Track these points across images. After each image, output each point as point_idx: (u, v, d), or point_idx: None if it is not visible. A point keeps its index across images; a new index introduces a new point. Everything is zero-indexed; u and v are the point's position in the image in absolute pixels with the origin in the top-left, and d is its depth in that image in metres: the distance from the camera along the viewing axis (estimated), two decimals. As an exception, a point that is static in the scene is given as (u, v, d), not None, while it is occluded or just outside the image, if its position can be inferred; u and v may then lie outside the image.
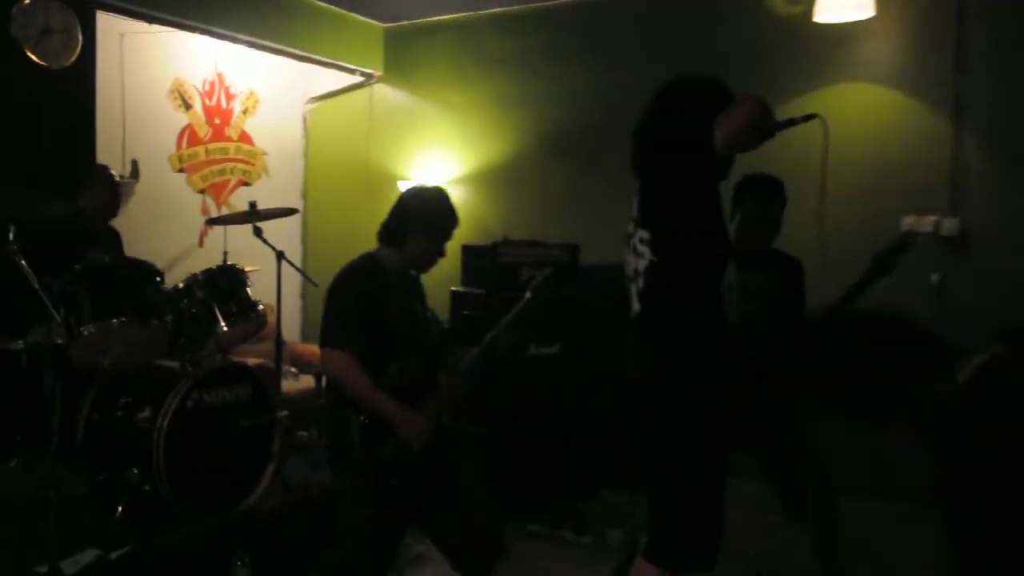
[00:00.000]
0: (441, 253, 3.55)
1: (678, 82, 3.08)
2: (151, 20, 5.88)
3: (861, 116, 5.73)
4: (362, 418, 3.30)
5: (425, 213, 3.49)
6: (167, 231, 6.31)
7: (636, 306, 3.00)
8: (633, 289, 3.00)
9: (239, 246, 5.19)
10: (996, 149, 5.41)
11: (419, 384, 3.45)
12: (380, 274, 3.48)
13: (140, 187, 6.25)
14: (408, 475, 3.35)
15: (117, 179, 5.01)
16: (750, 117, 2.75)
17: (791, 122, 2.93)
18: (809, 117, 2.93)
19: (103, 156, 5.60)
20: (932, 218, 5.47)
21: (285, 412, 4.29)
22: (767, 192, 3.97)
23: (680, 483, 2.89)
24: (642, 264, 2.95)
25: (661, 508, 2.96)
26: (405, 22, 7.31)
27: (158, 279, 4.11)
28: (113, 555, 3.41)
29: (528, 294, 3.68)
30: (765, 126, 2.76)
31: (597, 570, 4.41)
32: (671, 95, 3.06)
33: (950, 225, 5.44)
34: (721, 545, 3.01)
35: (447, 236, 3.54)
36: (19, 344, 3.94)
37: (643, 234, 2.96)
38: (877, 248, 3.81)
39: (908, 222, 5.49)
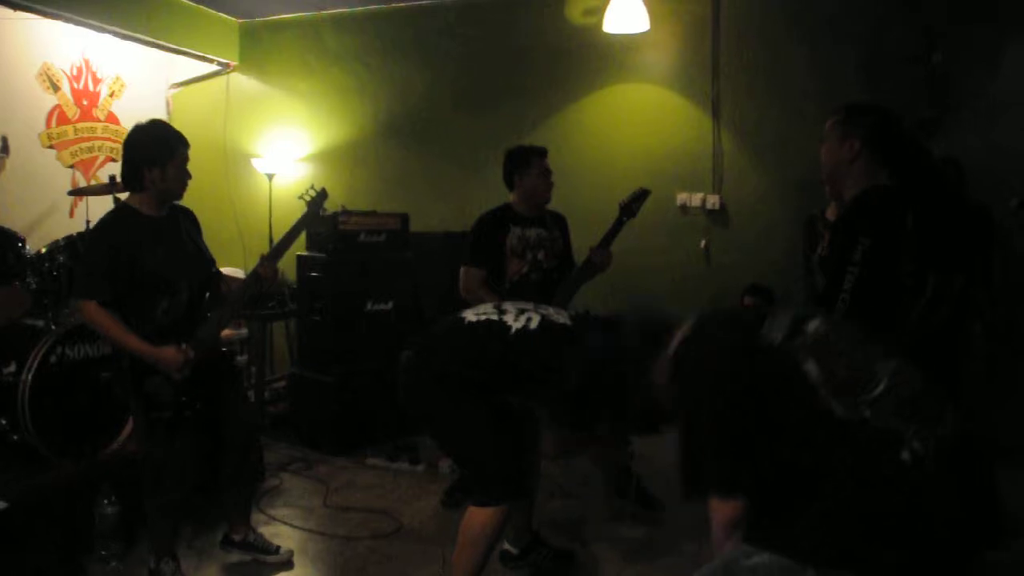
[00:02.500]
0: (187, 175, 3.21)
1: None
2: (18, 7, 5.34)
3: (642, 111, 5.83)
4: (124, 360, 3.06)
5: (152, 148, 3.11)
6: (38, 203, 5.81)
7: None
8: None
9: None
10: (745, 139, 5.60)
11: (190, 317, 3.17)
12: (132, 222, 3.11)
13: (11, 162, 5.73)
14: (177, 406, 3.08)
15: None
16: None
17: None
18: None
19: (-28, 132, 5.10)
20: (700, 195, 5.64)
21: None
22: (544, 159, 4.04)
23: (455, 437, 2.88)
24: None
25: (459, 461, 2.96)
26: (257, 19, 6.97)
27: (20, 244, 3.77)
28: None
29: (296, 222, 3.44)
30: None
31: (430, 493, 4.37)
32: None
33: (713, 200, 5.62)
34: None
35: (183, 158, 3.18)
36: None
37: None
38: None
39: (682, 197, 5.63)
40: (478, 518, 2.86)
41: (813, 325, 1.91)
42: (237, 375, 3.58)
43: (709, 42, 5.62)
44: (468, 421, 2.82)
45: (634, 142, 5.76)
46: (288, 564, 3.54)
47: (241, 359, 5.89)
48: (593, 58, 5.90)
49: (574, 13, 5.94)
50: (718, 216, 5.65)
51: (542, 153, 4.02)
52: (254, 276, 3.31)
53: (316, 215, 3.50)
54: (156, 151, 3.11)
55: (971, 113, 4.92)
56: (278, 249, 3.41)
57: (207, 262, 3.36)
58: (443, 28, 6.39)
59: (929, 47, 4.91)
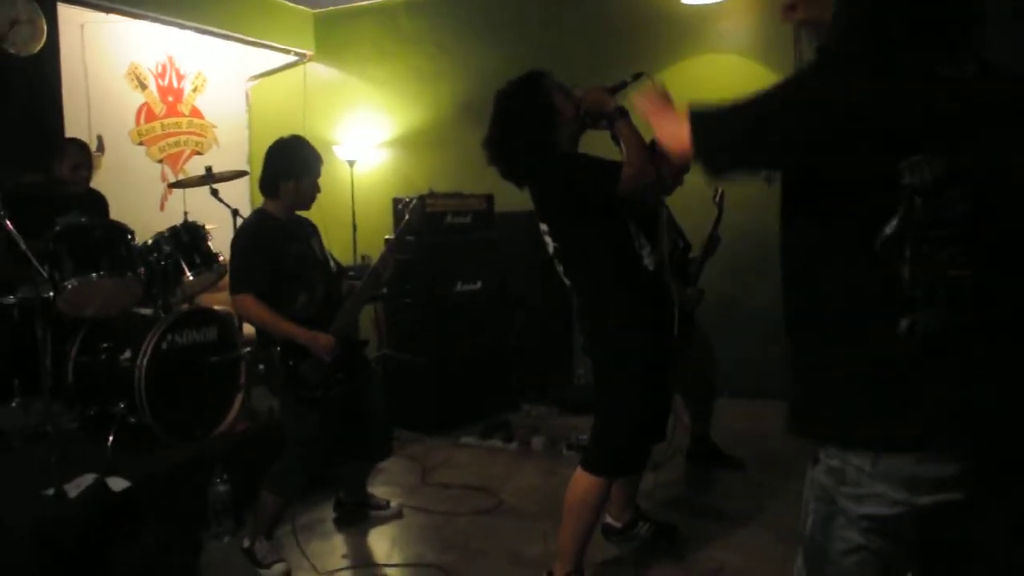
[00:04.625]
0: (317, 189, 3.47)
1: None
2: (108, 10, 5.62)
3: (723, 81, 5.78)
4: (277, 347, 3.27)
5: (289, 162, 3.39)
6: (131, 198, 6.02)
7: (566, 281, 2.99)
8: (558, 269, 3.00)
9: (196, 209, 5.03)
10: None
11: (326, 309, 3.40)
12: (271, 224, 3.39)
13: (106, 159, 6.01)
14: (326, 386, 3.32)
15: (91, 149, 4.74)
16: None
17: (623, 84, 2.90)
18: (637, 76, 2.87)
19: (71, 132, 5.34)
20: (785, 166, 5.57)
21: (248, 349, 4.19)
22: None
23: (618, 410, 2.94)
24: (551, 249, 2.97)
25: (603, 428, 2.99)
26: (331, 8, 7.13)
27: (130, 237, 3.99)
28: (117, 488, 3.29)
29: (401, 226, 3.57)
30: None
31: (526, 470, 4.46)
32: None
33: (798, 171, 5.54)
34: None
35: (316, 174, 3.45)
36: (11, 299, 3.84)
37: (543, 227, 2.97)
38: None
39: (765, 172, 5.58)
40: (583, 484, 2.94)
41: None
42: (367, 360, 3.76)
43: (790, 7, 5.57)
44: (626, 392, 2.90)
45: (715, 114, 5.74)
46: (399, 516, 3.93)
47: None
48: (671, 30, 5.88)
49: (649, -14, 5.94)
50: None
51: None
52: (375, 273, 3.48)
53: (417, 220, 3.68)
54: (292, 165, 3.39)
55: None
56: (395, 246, 3.54)
57: (332, 262, 3.63)
58: (517, 7, 6.44)
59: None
